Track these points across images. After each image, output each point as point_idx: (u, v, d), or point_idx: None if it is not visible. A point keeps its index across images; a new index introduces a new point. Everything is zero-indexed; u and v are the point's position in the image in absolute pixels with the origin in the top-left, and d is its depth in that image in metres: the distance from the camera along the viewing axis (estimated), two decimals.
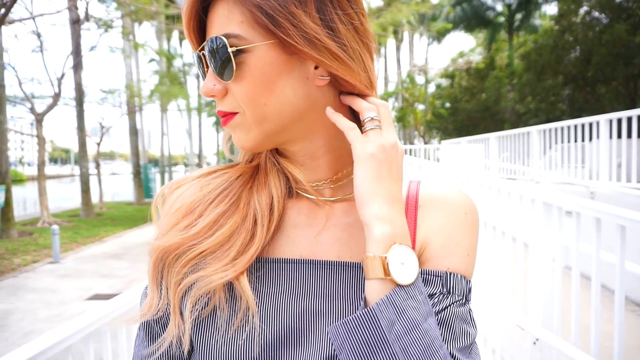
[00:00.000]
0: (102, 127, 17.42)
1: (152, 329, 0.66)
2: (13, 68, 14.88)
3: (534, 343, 2.24)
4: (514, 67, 18.95)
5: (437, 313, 0.59)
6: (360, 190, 0.58)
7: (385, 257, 0.54)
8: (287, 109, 0.59)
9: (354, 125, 0.61)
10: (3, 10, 9.59)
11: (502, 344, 2.68)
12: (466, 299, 0.62)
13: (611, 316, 1.89)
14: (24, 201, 25.08)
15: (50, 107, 13.35)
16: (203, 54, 0.61)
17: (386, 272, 0.54)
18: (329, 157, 0.66)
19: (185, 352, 0.63)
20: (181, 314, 0.62)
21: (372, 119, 0.61)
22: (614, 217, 1.88)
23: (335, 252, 0.65)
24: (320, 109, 0.62)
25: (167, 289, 0.64)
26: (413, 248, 0.63)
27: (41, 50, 13.56)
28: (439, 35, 25.28)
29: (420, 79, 28.77)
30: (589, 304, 2.01)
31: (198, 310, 0.61)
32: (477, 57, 24.42)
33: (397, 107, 26.91)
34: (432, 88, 27.90)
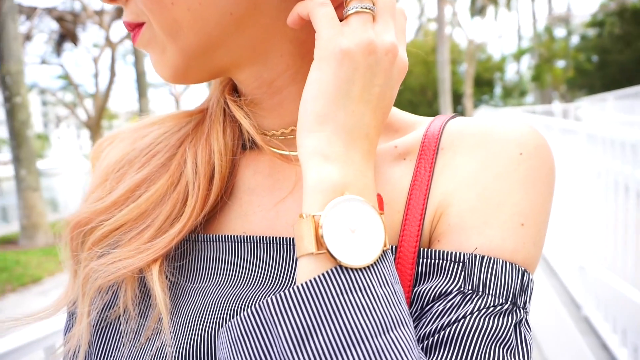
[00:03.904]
0: None
1: (67, 324, 0.51)
2: None
3: None
4: None
5: (446, 325, 0.34)
6: (306, 108, 0.36)
7: (320, 217, 0.32)
8: (212, 11, 0.39)
9: (326, 0, 0.38)
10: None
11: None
12: (514, 304, 0.36)
13: None
14: None
15: (185, 88, 14.67)
16: None
17: (318, 241, 0.32)
18: (298, 87, 0.44)
19: None
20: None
21: None
22: None
23: None
24: (272, 10, 0.40)
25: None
26: (422, 216, 0.39)
27: None
28: None
29: (560, 32, 25.35)
30: None
31: (98, 312, 0.44)
32: None
33: (533, 65, 24.15)
34: (574, 41, 24.38)
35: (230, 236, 0.45)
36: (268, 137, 0.47)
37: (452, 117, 0.46)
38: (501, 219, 0.38)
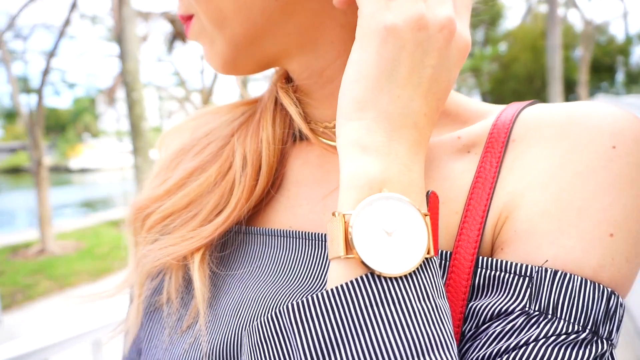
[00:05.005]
0: None
1: (129, 306, 0.53)
2: None
3: None
4: None
5: (503, 352, 0.29)
6: (345, 94, 0.32)
7: (350, 216, 0.29)
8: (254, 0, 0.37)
9: None
10: None
11: None
12: (595, 333, 0.29)
13: None
14: None
15: None
16: None
17: (347, 244, 0.28)
18: None
19: (126, 352, 0.48)
20: None
21: None
22: None
23: None
24: None
25: None
26: (484, 219, 0.34)
27: None
28: None
29: None
30: None
31: (148, 296, 0.46)
32: None
33: None
34: None
35: (274, 230, 0.43)
36: (321, 129, 0.44)
37: (531, 104, 0.39)
38: (583, 226, 0.31)
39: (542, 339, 0.29)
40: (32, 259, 6.60)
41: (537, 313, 0.30)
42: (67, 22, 7.49)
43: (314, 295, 0.28)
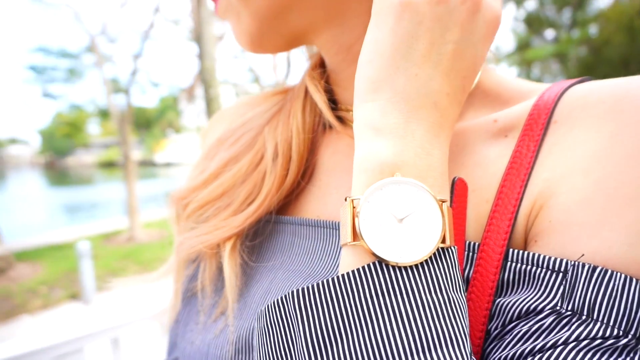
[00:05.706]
0: None
1: None
2: None
3: None
4: None
5: (528, 354, 0.27)
6: (360, 75, 0.31)
7: (359, 201, 0.28)
8: None
9: None
10: None
11: None
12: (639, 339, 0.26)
13: None
14: None
15: None
16: None
17: (354, 230, 0.27)
18: None
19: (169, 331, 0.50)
20: None
21: None
22: None
23: None
24: None
25: None
26: (516, 208, 0.31)
27: None
28: None
29: None
30: None
31: (185, 282, 0.47)
32: None
33: None
34: None
35: (303, 219, 0.43)
36: (350, 113, 0.43)
37: (580, 81, 0.35)
38: (630, 217, 0.27)
39: (572, 342, 0.26)
40: (122, 245, 7.20)
41: (569, 313, 0.27)
42: (151, 26, 8.01)
43: (319, 282, 0.27)
